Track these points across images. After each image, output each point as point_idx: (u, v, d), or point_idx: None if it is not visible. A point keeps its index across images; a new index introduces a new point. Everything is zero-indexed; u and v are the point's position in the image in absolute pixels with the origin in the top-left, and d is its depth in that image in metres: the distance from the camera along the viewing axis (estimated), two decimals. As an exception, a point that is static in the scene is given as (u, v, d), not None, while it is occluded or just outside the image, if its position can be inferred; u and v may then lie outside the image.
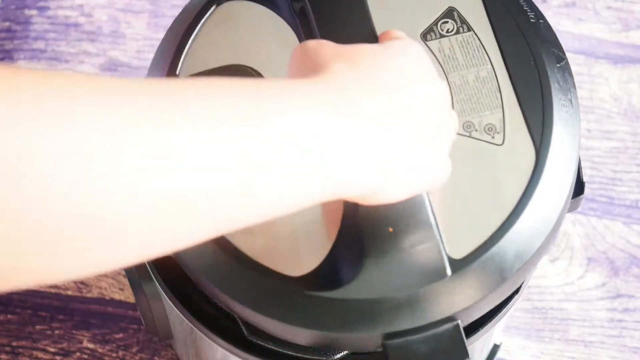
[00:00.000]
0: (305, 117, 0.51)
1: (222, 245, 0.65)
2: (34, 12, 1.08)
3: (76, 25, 1.07)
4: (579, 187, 0.71)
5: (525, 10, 0.71)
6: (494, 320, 0.70)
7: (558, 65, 0.69)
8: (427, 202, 0.61)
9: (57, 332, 0.94)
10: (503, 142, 0.66)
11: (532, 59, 0.69)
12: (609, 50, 1.07)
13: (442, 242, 0.62)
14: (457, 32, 0.69)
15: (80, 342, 0.93)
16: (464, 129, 0.67)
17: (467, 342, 0.65)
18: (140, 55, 1.06)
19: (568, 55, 1.07)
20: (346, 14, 0.63)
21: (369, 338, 0.64)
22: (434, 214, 0.62)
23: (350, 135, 0.52)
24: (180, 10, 1.11)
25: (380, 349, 0.64)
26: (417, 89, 0.56)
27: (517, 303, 0.73)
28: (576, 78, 1.06)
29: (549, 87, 0.68)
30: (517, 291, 0.71)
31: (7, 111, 0.42)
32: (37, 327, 0.94)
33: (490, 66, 0.68)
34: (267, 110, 0.50)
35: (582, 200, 0.74)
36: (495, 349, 0.89)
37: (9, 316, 0.94)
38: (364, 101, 0.53)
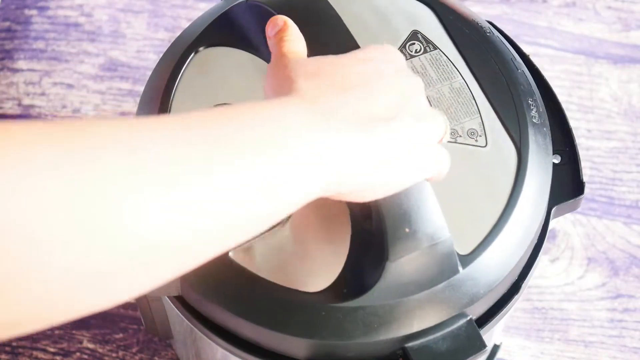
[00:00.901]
0: (297, 134, 0.55)
1: (235, 271, 0.66)
2: (34, 12, 1.08)
3: (76, 25, 1.07)
4: (578, 187, 0.74)
5: (481, 26, 0.76)
6: (494, 320, 0.70)
7: (519, 70, 0.75)
8: (436, 200, 0.63)
9: (57, 332, 0.94)
10: (486, 144, 0.71)
11: (496, 68, 0.74)
12: (609, 50, 1.07)
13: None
14: (425, 52, 0.74)
15: (80, 342, 0.93)
16: (450, 137, 0.72)
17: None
18: (140, 55, 1.06)
19: (568, 55, 1.07)
20: (329, 35, 0.67)
21: (391, 342, 0.66)
22: None
23: (332, 143, 0.56)
24: (180, 9, 1.11)
25: (399, 353, 0.66)
26: (388, 87, 0.60)
27: (517, 303, 0.73)
28: (576, 78, 1.06)
29: (517, 90, 0.73)
30: (517, 291, 0.71)
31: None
32: (37, 327, 0.94)
33: (461, 78, 0.73)
34: (262, 135, 0.54)
35: (582, 200, 0.75)
36: (495, 349, 0.89)
37: (9, 316, 0.94)
38: (337, 110, 0.57)
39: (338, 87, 0.58)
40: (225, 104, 0.70)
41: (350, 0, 0.75)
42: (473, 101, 0.73)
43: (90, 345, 0.93)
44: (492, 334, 0.78)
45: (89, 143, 0.47)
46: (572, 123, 0.79)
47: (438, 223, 0.63)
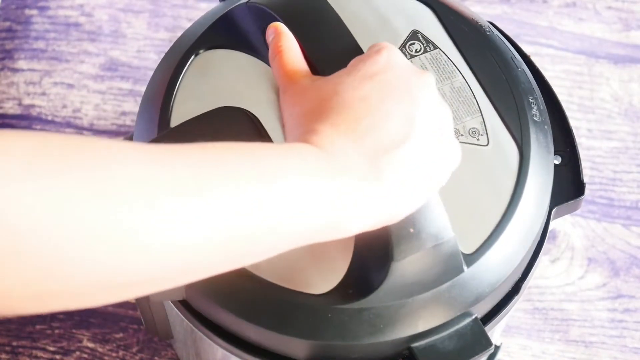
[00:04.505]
0: (302, 180, 0.56)
1: (239, 274, 0.66)
2: (34, 11, 1.08)
3: (77, 25, 1.07)
4: (579, 188, 0.74)
5: (480, 26, 0.76)
6: (494, 321, 0.71)
7: (519, 69, 0.74)
8: (440, 200, 0.64)
9: (57, 331, 0.94)
10: (488, 143, 0.71)
11: (497, 67, 0.74)
12: (610, 50, 1.07)
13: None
14: (425, 51, 0.74)
15: (80, 341, 0.93)
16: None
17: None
18: (140, 55, 1.06)
19: (569, 55, 1.07)
20: (329, 36, 0.68)
21: (397, 343, 0.66)
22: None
23: (342, 190, 0.57)
24: (181, 9, 1.11)
25: (406, 353, 0.66)
26: (395, 106, 0.61)
27: (517, 304, 0.73)
28: (577, 78, 1.06)
29: (518, 89, 0.73)
30: (517, 292, 0.71)
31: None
32: (37, 326, 0.94)
33: (461, 77, 0.73)
34: (273, 175, 0.55)
35: (582, 201, 0.75)
36: (495, 350, 0.89)
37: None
38: (343, 155, 0.58)
39: (347, 126, 0.60)
40: (231, 107, 0.71)
41: (349, 0, 0.75)
42: (474, 100, 0.73)
43: (90, 345, 0.93)
44: (491, 335, 0.78)
45: (109, 160, 0.50)
46: (573, 123, 0.79)
47: (442, 223, 0.64)
